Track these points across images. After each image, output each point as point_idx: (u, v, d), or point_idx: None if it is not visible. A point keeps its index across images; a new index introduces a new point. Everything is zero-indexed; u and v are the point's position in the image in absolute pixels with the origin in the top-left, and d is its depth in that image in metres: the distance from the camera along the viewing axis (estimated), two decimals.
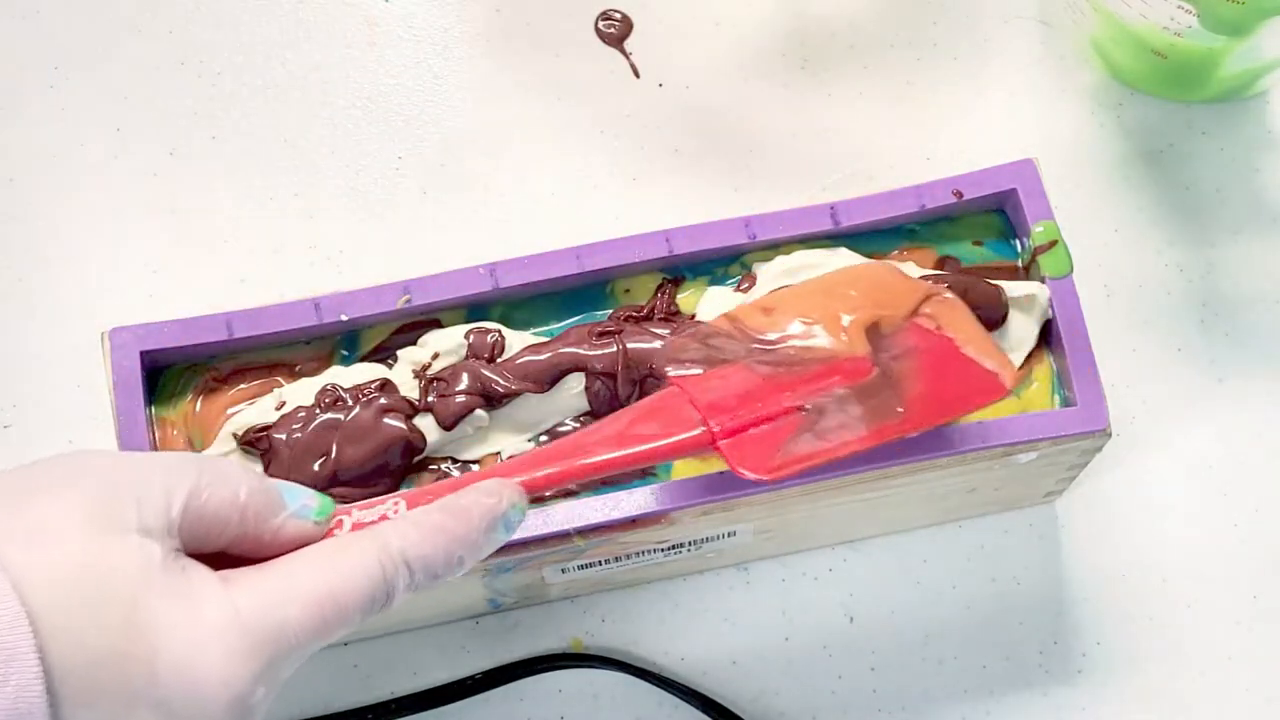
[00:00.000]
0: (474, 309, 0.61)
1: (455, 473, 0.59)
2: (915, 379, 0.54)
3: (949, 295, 0.57)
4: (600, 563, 0.62)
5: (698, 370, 0.53)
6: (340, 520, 0.47)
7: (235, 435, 0.58)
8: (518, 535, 0.57)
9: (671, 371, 0.53)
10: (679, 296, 0.62)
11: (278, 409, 0.59)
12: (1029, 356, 0.61)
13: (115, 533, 0.41)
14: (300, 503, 0.46)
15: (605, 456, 0.50)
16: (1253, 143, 0.74)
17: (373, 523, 0.46)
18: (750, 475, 0.50)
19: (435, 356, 0.59)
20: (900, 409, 0.53)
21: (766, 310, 0.55)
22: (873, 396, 0.53)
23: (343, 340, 0.61)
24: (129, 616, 0.40)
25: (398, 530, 0.45)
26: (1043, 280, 0.61)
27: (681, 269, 0.62)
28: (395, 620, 0.64)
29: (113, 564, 0.41)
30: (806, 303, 0.55)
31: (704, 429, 0.51)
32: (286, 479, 0.57)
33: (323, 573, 0.43)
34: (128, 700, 0.40)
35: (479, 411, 0.59)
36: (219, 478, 0.44)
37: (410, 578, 0.45)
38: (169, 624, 0.41)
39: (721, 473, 0.58)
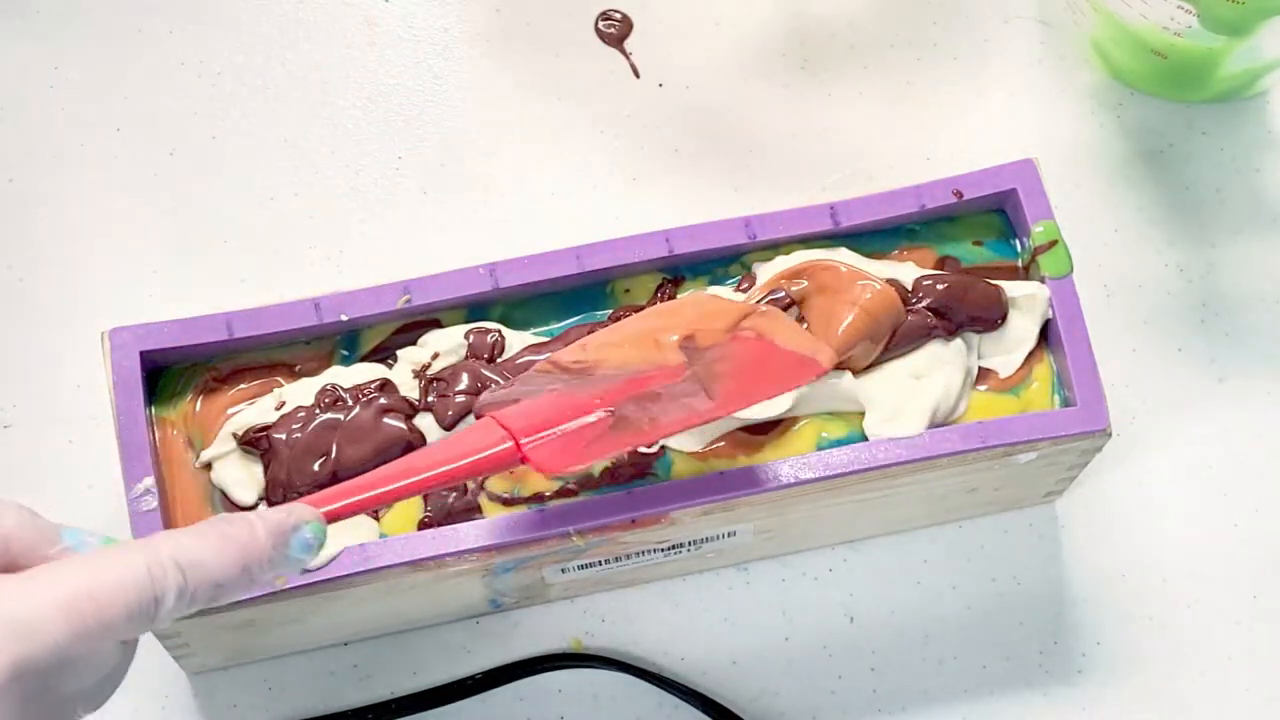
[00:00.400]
0: (474, 309, 0.61)
1: None
2: (729, 376, 0.55)
3: (766, 309, 0.59)
4: (600, 563, 0.62)
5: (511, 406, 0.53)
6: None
7: (235, 435, 0.58)
8: (518, 535, 0.57)
9: (485, 407, 0.54)
10: (679, 296, 0.62)
11: (277, 409, 0.59)
12: (1029, 356, 0.61)
13: None
14: (79, 539, 0.45)
15: (408, 481, 0.50)
16: (1253, 143, 0.74)
17: None
18: (547, 470, 0.51)
19: (435, 356, 0.59)
20: (711, 399, 0.54)
21: (584, 346, 0.56)
22: (684, 394, 0.54)
23: (343, 340, 0.61)
24: None
25: (171, 536, 0.44)
26: (1043, 280, 0.61)
27: (681, 269, 0.62)
28: (395, 620, 0.64)
29: None
30: (625, 331, 0.57)
31: (509, 443, 0.51)
32: (287, 479, 0.57)
33: (84, 573, 0.42)
34: None
35: None
36: None
37: (183, 582, 0.43)
38: None
39: (721, 473, 0.58)
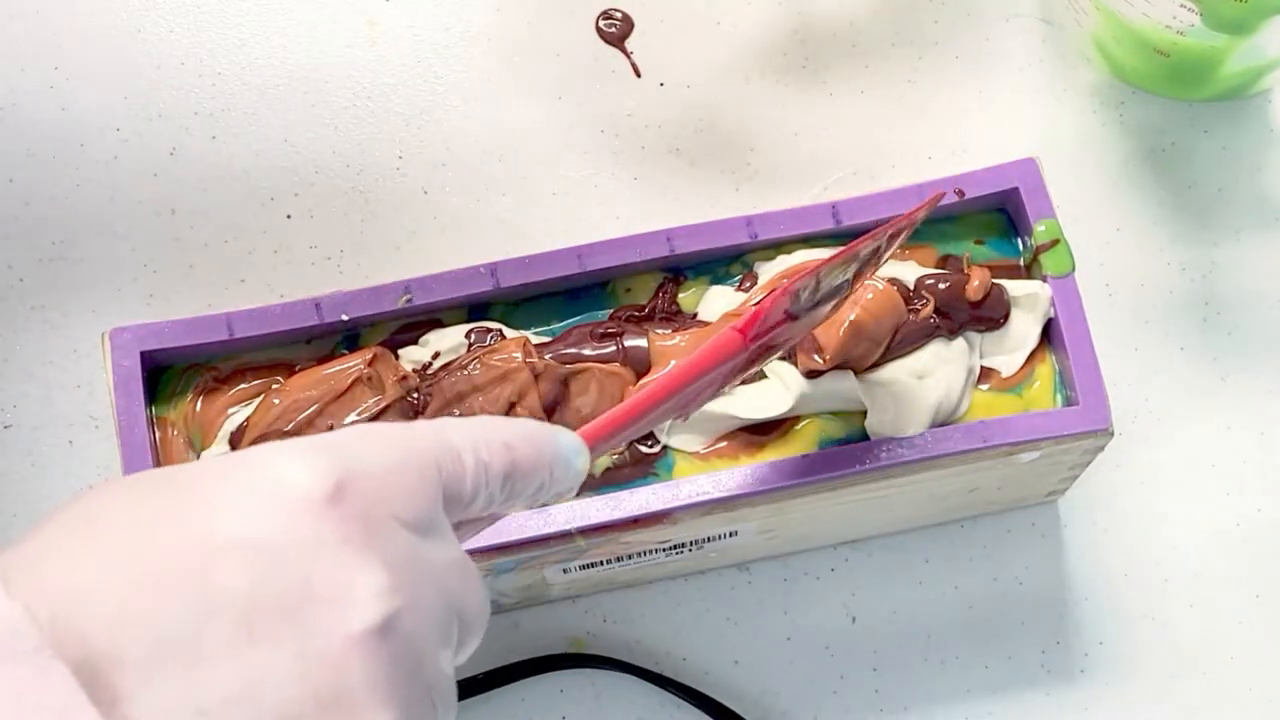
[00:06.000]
0: (475, 308, 0.61)
1: None
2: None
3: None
4: (602, 563, 0.61)
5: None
6: None
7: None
8: (519, 535, 0.57)
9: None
10: (680, 296, 0.62)
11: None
12: (1031, 355, 0.61)
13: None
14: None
15: (649, 389, 0.49)
16: (1255, 141, 0.74)
17: None
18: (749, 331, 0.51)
19: (436, 356, 0.59)
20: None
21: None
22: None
23: (343, 340, 0.61)
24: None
25: (462, 424, 0.42)
26: (1044, 279, 0.61)
27: (683, 268, 0.62)
28: None
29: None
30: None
31: (734, 330, 0.51)
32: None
33: (395, 433, 0.40)
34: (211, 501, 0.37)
35: None
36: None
37: (473, 470, 0.41)
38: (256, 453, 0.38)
39: (723, 473, 0.58)
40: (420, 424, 0.41)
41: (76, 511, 0.37)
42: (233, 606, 0.35)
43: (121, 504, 0.37)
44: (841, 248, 0.54)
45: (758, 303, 0.52)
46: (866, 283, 0.59)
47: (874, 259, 0.56)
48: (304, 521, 0.36)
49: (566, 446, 0.44)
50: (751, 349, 0.52)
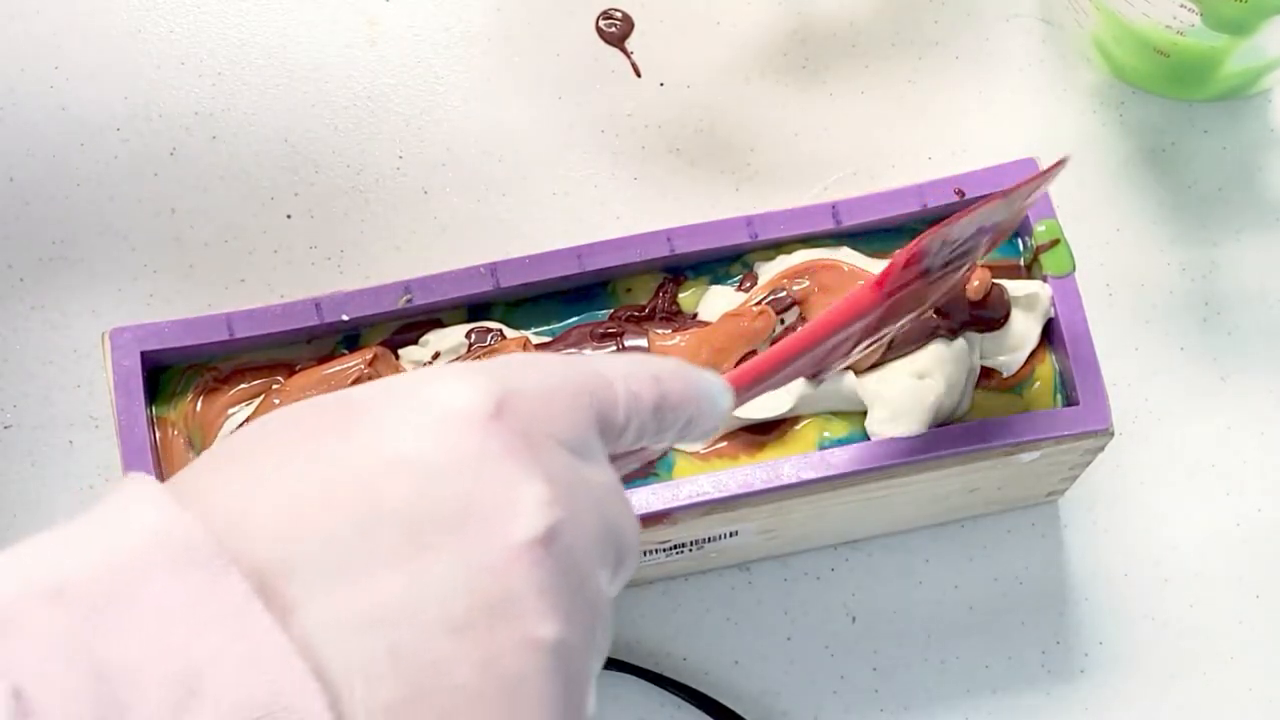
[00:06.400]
0: (475, 308, 0.61)
1: None
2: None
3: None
4: None
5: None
6: None
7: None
8: None
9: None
10: (680, 295, 0.62)
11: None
12: (1031, 356, 0.61)
13: None
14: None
15: (789, 341, 0.50)
16: (1255, 141, 0.74)
17: None
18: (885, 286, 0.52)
19: (436, 356, 0.59)
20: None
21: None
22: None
23: (343, 340, 0.61)
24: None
25: (615, 359, 0.43)
26: (1045, 279, 0.61)
27: (683, 268, 0.62)
28: None
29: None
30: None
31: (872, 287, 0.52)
32: None
33: (555, 362, 0.41)
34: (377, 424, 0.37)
35: None
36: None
37: (626, 399, 0.41)
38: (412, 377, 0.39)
39: (723, 473, 0.58)
40: (572, 355, 0.41)
41: (245, 434, 0.38)
42: (400, 519, 0.35)
43: (288, 427, 0.38)
44: (973, 202, 0.54)
45: (893, 259, 0.52)
46: (863, 282, 0.59)
47: (996, 229, 0.56)
48: (467, 437, 0.37)
49: (713, 384, 0.45)
50: (885, 306, 0.52)
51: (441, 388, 0.38)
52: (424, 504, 0.36)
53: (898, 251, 0.52)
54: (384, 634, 0.34)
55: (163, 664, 0.33)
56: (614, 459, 0.42)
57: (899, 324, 0.56)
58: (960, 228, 0.53)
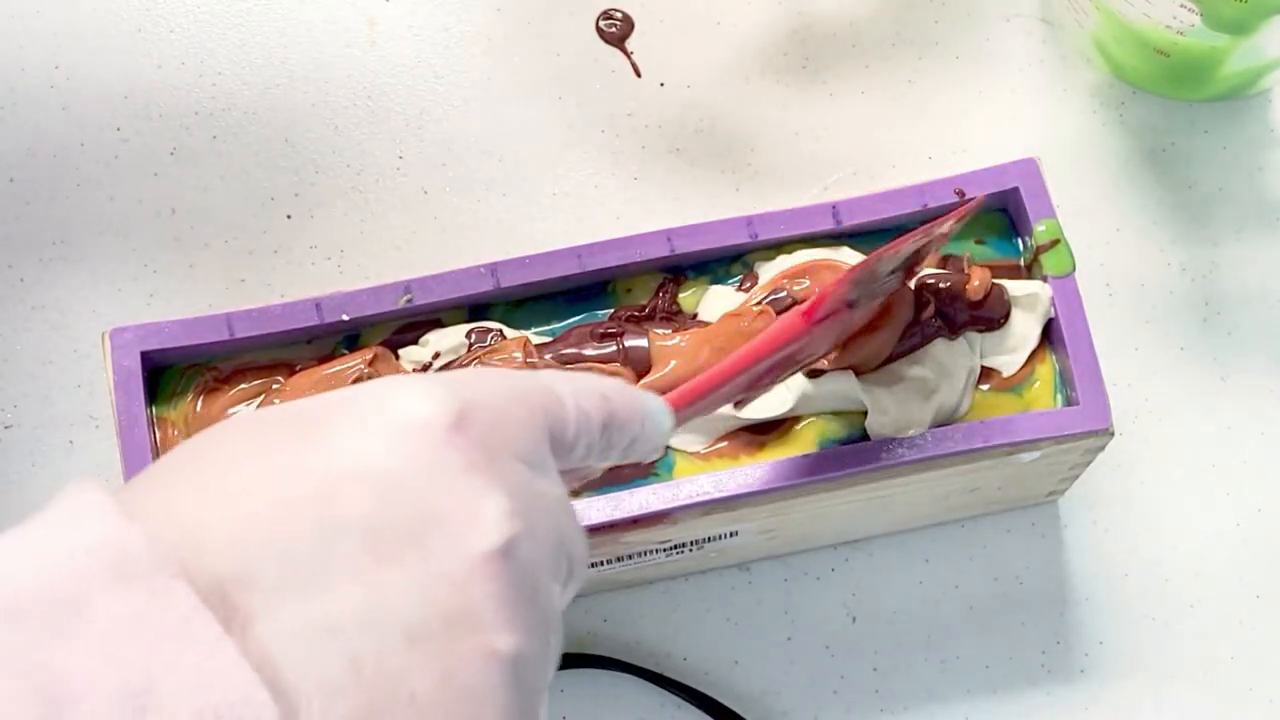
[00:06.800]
0: (475, 308, 0.61)
1: None
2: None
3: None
4: (602, 563, 0.61)
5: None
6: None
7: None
8: None
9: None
10: (680, 295, 0.62)
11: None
12: (1031, 355, 0.61)
13: None
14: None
15: (720, 367, 0.51)
16: (1255, 141, 0.74)
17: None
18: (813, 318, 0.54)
19: (436, 356, 0.59)
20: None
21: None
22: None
23: (343, 340, 0.61)
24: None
25: (566, 376, 0.43)
26: (1045, 279, 0.61)
27: (683, 268, 0.62)
28: None
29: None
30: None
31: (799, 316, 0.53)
32: None
33: (503, 377, 0.41)
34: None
35: None
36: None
37: (575, 416, 0.42)
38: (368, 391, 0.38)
39: (723, 473, 0.58)
40: (523, 372, 0.41)
41: (201, 443, 0.37)
42: (359, 530, 0.35)
43: (246, 436, 0.37)
44: (893, 240, 0.56)
45: (821, 290, 0.54)
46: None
47: (918, 256, 0.58)
48: (427, 449, 0.37)
49: (655, 406, 0.46)
50: (810, 334, 0.54)
51: (401, 398, 0.37)
52: (384, 514, 0.35)
53: (827, 285, 0.54)
54: (343, 645, 0.34)
55: (110, 679, 0.32)
56: (561, 475, 0.42)
57: (820, 353, 0.57)
58: (885, 262, 0.55)
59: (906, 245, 0.55)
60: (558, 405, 0.41)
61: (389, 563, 0.35)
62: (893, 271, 0.57)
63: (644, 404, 0.45)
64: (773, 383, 0.56)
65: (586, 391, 0.42)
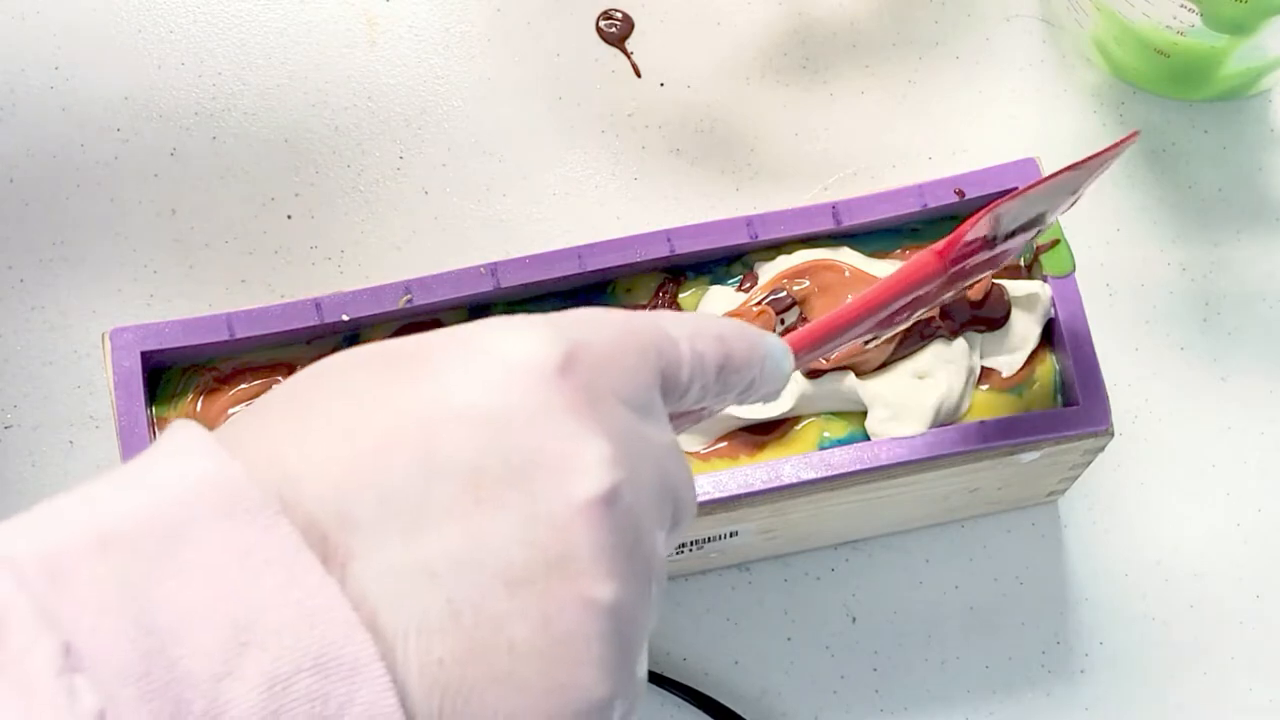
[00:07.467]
0: (475, 309, 0.61)
1: None
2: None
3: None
4: None
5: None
6: None
7: None
8: None
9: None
10: (680, 295, 0.62)
11: None
12: (1031, 356, 0.61)
13: None
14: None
15: (851, 305, 0.50)
16: (1255, 141, 0.74)
17: None
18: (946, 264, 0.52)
19: None
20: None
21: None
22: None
23: (343, 340, 0.61)
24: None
25: (679, 317, 0.42)
26: (1045, 279, 0.61)
27: (683, 268, 0.62)
28: None
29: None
30: None
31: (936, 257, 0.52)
32: None
33: (616, 316, 0.40)
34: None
35: None
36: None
37: (689, 358, 0.41)
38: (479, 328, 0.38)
39: (724, 473, 0.58)
40: (638, 313, 0.41)
41: (299, 382, 0.37)
42: (460, 470, 0.35)
43: (346, 373, 0.37)
44: (1046, 176, 0.54)
45: (957, 227, 0.52)
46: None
47: (1072, 195, 0.56)
48: (531, 391, 0.36)
49: (775, 346, 0.45)
50: (950, 272, 0.52)
51: (507, 339, 0.37)
52: (486, 457, 0.35)
53: (963, 221, 0.52)
54: (441, 587, 0.34)
55: (212, 615, 0.32)
56: (673, 418, 0.42)
57: (962, 288, 0.56)
58: (1031, 200, 0.53)
59: (1053, 183, 0.53)
60: (671, 347, 0.40)
61: (490, 505, 0.35)
62: (1041, 213, 0.54)
63: (763, 346, 0.44)
64: (902, 324, 0.55)
65: (702, 333, 0.42)
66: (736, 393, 0.43)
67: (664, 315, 0.42)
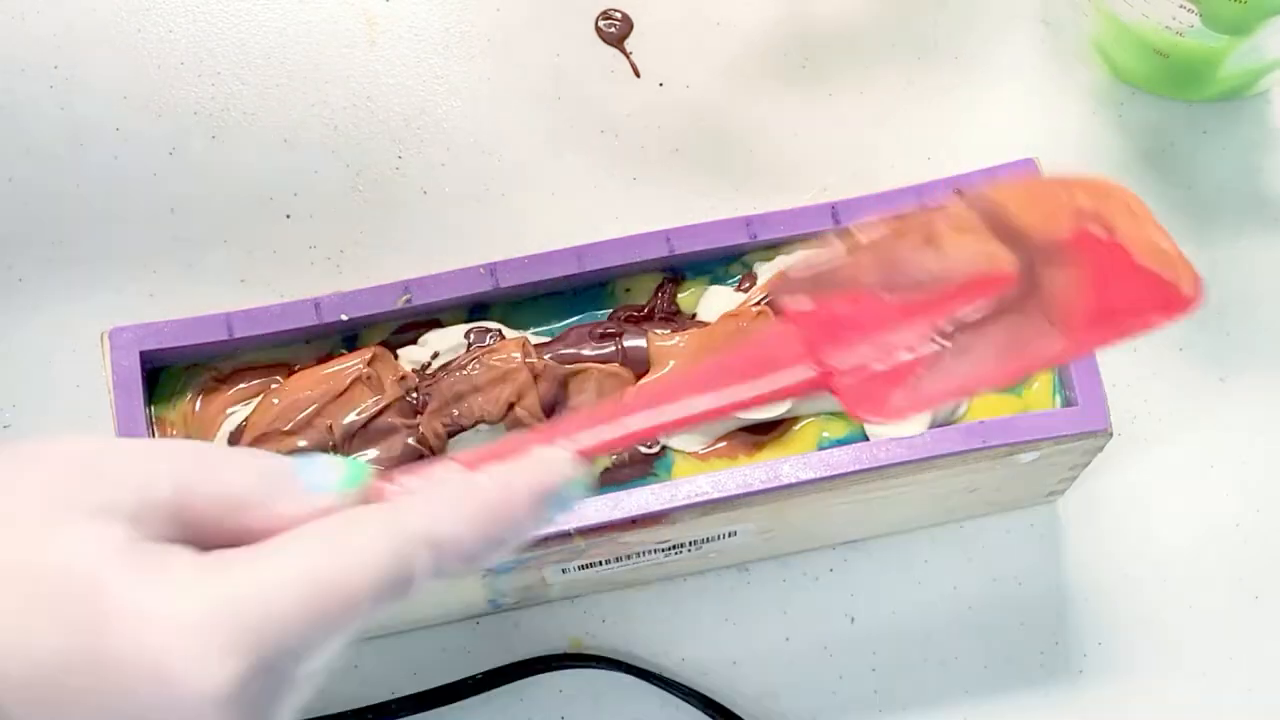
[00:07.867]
0: (474, 308, 0.61)
1: None
2: (1070, 293, 0.43)
3: (1115, 185, 0.46)
4: (601, 563, 0.61)
5: (808, 301, 0.45)
6: (380, 489, 0.39)
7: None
8: None
9: (787, 301, 0.45)
10: (680, 296, 0.62)
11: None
12: None
13: (70, 517, 0.36)
14: (316, 476, 0.38)
15: (697, 409, 0.42)
16: (1254, 142, 0.74)
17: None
18: (871, 419, 0.45)
19: (435, 356, 0.59)
20: (1051, 329, 0.43)
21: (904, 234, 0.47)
22: (1016, 314, 0.43)
23: (343, 340, 0.61)
24: (92, 611, 0.35)
25: (421, 506, 0.38)
26: None
27: (682, 268, 0.62)
28: (395, 620, 0.64)
29: (66, 552, 0.35)
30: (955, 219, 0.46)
31: (815, 370, 0.43)
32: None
33: (322, 554, 0.37)
34: (98, 707, 0.35)
35: None
36: (212, 466, 0.38)
37: (435, 561, 0.38)
38: (134, 616, 0.35)
39: (722, 473, 0.58)
40: (390, 526, 0.38)
41: None
42: None
43: None
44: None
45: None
46: None
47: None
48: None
49: (558, 480, 0.41)
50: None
51: (177, 663, 0.35)
52: None
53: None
54: None
55: None
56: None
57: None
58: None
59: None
60: (398, 566, 0.37)
61: None
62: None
63: (547, 481, 0.40)
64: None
65: (458, 519, 0.38)
66: (520, 535, 0.40)
67: (420, 509, 0.38)
